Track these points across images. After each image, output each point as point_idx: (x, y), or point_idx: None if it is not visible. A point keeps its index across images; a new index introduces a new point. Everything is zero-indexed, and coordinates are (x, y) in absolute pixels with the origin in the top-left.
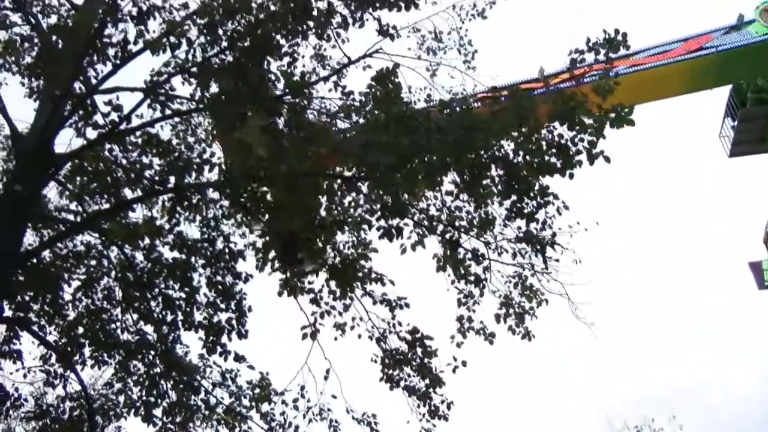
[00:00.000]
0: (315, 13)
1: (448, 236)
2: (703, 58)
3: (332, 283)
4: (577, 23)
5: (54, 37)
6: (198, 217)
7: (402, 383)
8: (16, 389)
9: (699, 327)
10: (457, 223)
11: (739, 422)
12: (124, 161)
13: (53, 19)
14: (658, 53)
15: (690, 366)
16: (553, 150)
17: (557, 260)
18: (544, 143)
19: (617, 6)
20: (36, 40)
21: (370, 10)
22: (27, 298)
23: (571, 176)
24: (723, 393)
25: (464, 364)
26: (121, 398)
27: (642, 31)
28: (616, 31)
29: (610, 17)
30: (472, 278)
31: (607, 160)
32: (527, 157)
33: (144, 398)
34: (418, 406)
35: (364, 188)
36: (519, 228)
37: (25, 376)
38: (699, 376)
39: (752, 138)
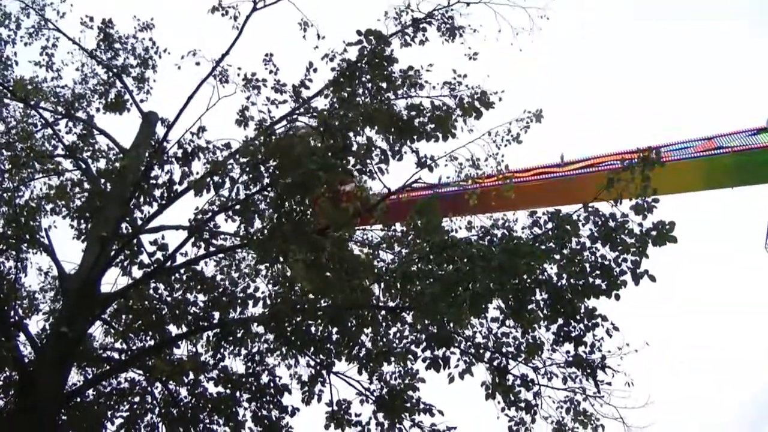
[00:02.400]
0: (354, 148)
1: (495, 363)
2: (719, 157)
3: (380, 415)
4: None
5: (102, 181)
6: (243, 352)
7: None
8: None
9: None
10: (504, 350)
11: None
12: (168, 298)
13: (102, 164)
14: (679, 149)
15: None
16: (597, 271)
17: (609, 383)
18: (587, 265)
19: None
20: (85, 185)
21: (408, 142)
22: None
23: (617, 297)
24: None
25: None
26: None
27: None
28: (650, 149)
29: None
30: (522, 405)
31: (653, 279)
32: (571, 280)
33: None
34: None
35: (409, 318)
36: (568, 352)
37: None
38: None
39: None
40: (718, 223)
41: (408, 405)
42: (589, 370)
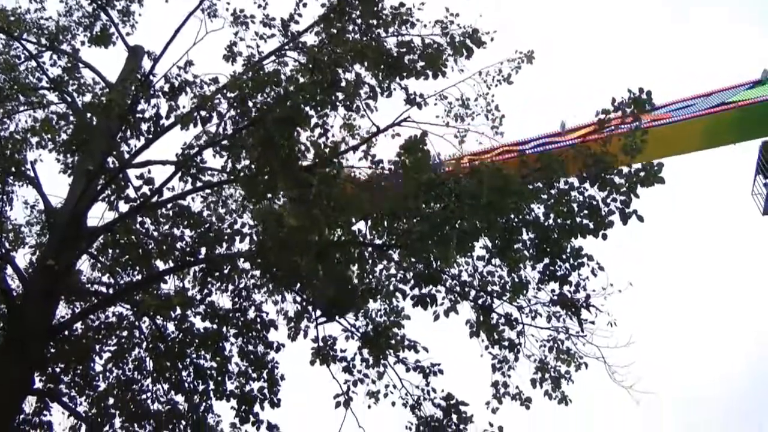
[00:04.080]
0: (343, 84)
1: (480, 302)
2: (722, 114)
3: (365, 351)
4: (600, 79)
5: (89, 115)
6: (229, 287)
7: None
8: None
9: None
10: (489, 289)
11: None
12: (155, 234)
13: (88, 98)
14: (679, 108)
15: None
16: (585, 211)
17: (592, 323)
18: (575, 205)
19: (636, 63)
20: (71, 118)
21: (398, 79)
22: (57, 370)
23: (605, 237)
24: None
25: (500, 430)
26: None
27: (666, 86)
28: (641, 90)
29: (630, 74)
30: (506, 343)
31: (641, 219)
32: (559, 220)
33: None
34: None
35: (396, 256)
36: (552, 291)
37: None
38: None
39: None
40: (707, 174)
41: (393, 342)
42: (573, 309)
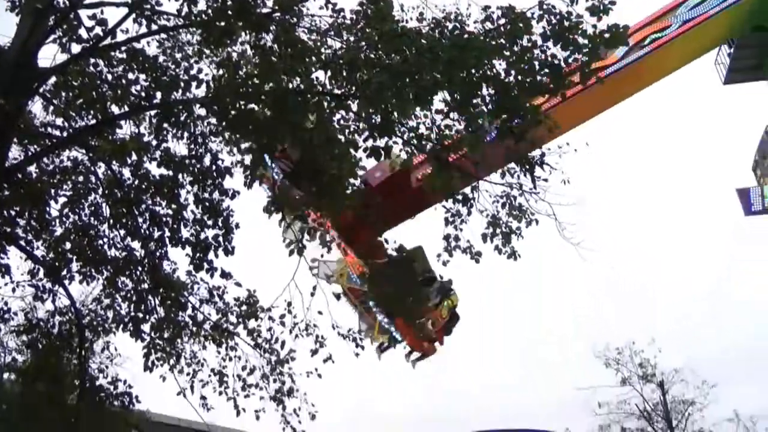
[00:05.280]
0: None
1: (437, 155)
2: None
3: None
4: None
5: None
6: (185, 134)
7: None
8: (5, 303)
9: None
10: (446, 142)
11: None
12: (109, 77)
13: None
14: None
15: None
16: (546, 70)
17: (546, 180)
18: (536, 63)
19: None
20: None
21: None
22: (13, 213)
23: (564, 96)
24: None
25: (450, 282)
26: (110, 314)
27: None
28: None
29: None
30: (459, 197)
31: (600, 81)
32: (519, 77)
33: (132, 314)
34: None
35: (354, 107)
36: (508, 148)
37: (13, 290)
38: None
39: (747, 65)
40: None
41: (348, 192)
42: (527, 166)
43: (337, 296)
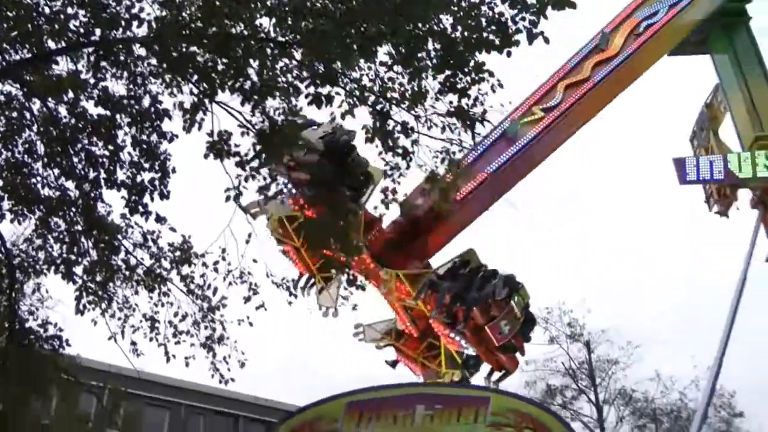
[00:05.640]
0: None
1: (378, 107)
2: None
3: (259, 148)
4: None
5: None
6: (125, 74)
7: None
8: None
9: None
10: (388, 95)
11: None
12: (47, 9)
13: None
14: None
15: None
16: (493, 27)
17: (486, 136)
18: (483, 20)
19: None
20: None
21: None
22: None
23: (509, 54)
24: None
25: None
26: (42, 255)
27: None
28: None
29: None
30: (400, 151)
31: (546, 41)
32: (465, 33)
33: (64, 256)
34: None
35: (298, 55)
36: (451, 103)
37: None
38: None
39: (692, 38)
40: None
41: (288, 140)
42: (468, 122)
43: (392, 364)
